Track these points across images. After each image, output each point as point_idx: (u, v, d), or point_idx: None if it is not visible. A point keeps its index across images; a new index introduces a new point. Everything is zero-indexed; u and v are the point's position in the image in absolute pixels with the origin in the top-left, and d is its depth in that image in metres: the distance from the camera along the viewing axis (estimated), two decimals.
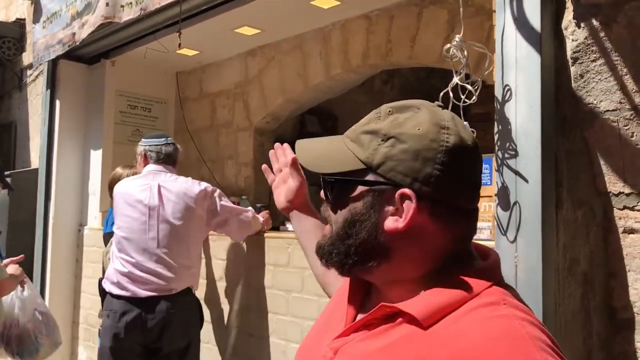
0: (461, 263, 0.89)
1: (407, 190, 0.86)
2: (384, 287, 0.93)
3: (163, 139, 3.13)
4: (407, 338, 0.83)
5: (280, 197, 1.43)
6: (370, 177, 0.88)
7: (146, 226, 2.92)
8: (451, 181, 0.86)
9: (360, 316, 0.96)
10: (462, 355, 0.76)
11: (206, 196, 2.99)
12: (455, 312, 0.82)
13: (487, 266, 0.91)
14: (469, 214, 0.90)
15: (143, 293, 2.87)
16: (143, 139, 3.18)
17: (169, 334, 2.87)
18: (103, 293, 3.05)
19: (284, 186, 1.42)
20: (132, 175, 3.33)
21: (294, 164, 1.39)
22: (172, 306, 2.88)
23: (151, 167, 3.06)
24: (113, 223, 3.28)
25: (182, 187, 2.97)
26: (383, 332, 0.86)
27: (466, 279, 0.86)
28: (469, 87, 1.69)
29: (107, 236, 3.47)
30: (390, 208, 0.87)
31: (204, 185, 3.03)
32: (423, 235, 0.87)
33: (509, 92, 1.75)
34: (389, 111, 0.91)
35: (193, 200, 2.94)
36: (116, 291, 2.92)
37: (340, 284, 1.17)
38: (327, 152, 0.95)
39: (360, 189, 0.89)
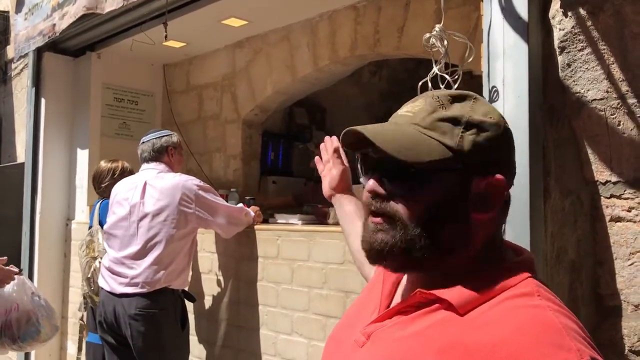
0: (499, 252, 0.93)
1: (499, 177, 0.88)
2: (424, 275, 0.92)
3: (143, 138, 3.14)
4: (441, 323, 0.84)
5: (325, 186, 1.58)
6: (459, 164, 0.87)
7: (128, 223, 2.96)
8: (511, 168, 0.94)
9: (394, 304, 0.97)
10: (492, 340, 0.77)
11: (192, 193, 2.92)
12: (491, 300, 0.83)
13: (522, 260, 0.92)
14: (507, 201, 0.95)
15: (118, 289, 2.90)
16: None
17: (138, 333, 2.83)
18: None
19: (328, 175, 1.57)
20: (113, 170, 3.47)
21: (336, 151, 1.56)
22: (145, 305, 2.85)
23: (142, 166, 3.11)
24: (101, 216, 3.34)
25: (167, 183, 2.94)
26: (418, 318, 0.88)
27: (503, 269, 0.88)
28: (447, 77, 1.69)
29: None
30: (477, 195, 0.88)
31: (191, 181, 2.97)
32: (490, 222, 0.91)
33: (496, 82, 1.75)
34: (449, 99, 0.91)
35: (177, 196, 2.90)
36: (101, 283, 3.03)
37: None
38: (405, 139, 0.87)
39: (448, 176, 0.87)
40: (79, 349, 3.68)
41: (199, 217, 2.94)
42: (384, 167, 0.89)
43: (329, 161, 1.59)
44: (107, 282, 2.96)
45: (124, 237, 2.96)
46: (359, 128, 0.88)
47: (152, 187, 2.95)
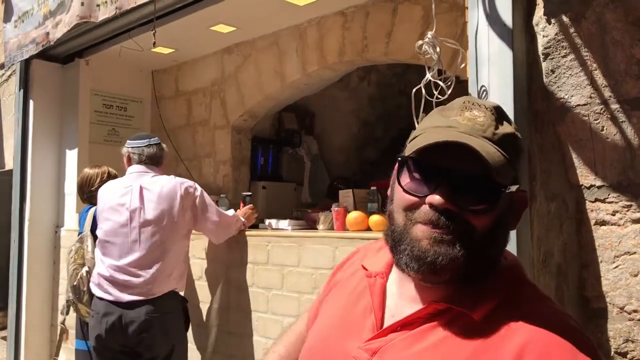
0: (500, 257, 0.94)
1: (525, 193, 0.93)
2: (429, 287, 0.90)
3: (146, 141, 3.09)
4: (461, 333, 0.84)
5: None
6: (516, 183, 0.89)
7: (128, 229, 2.90)
8: None
9: (389, 317, 0.94)
10: (521, 342, 0.79)
11: (188, 196, 2.94)
12: (505, 305, 0.86)
13: (515, 263, 0.96)
14: None
15: (125, 297, 2.85)
16: (128, 140, 3.15)
17: (149, 339, 2.83)
18: (91, 293, 3.05)
19: None
20: (101, 175, 3.41)
21: None
22: (154, 310, 2.84)
23: (134, 168, 3.04)
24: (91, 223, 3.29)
25: (164, 187, 2.92)
26: (430, 330, 0.87)
27: (504, 273, 0.91)
28: (441, 83, 1.71)
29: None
30: (515, 211, 0.92)
31: (187, 184, 2.98)
32: None
33: (482, 88, 1.77)
34: (494, 110, 0.92)
35: (175, 200, 2.90)
36: (99, 294, 2.93)
37: None
38: (495, 158, 0.85)
39: (504, 192, 0.87)
40: (57, 353, 3.66)
41: (194, 217, 2.97)
42: (459, 181, 0.85)
43: None
44: (109, 292, 2.88)
45: (123, 244, 2.90)
46: (465, 141, 0.84)
47: (149, 191, 2.92)
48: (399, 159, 0.91)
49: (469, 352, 0.81)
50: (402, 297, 0.94)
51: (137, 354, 2.88)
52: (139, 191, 2.92)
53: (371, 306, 0.96)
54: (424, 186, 0.87)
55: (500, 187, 0.86)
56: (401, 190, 0.90)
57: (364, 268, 1.03)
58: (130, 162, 3.08)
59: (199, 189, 3.02)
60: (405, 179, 0.90)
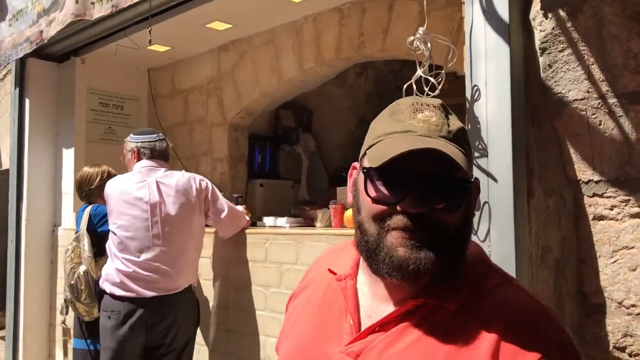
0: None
1: (478, 181, 0.95)
2: (400, 284, 0.89)
3: (155, 135, 3.06)
4: (439, 326, 0.86)
5: None
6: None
7: (149, 224, 2.85)
8: None
9: (365, 318, 0.93)
10: (506, 331, 0.82)
11: (202, 189, 2.96)
12: (476, 293, 0.88)
13: (479, 251, 0.98)
14: None
15: (148, 293, 2.80)
16: (133, 135, 3.08)
17: (173, 333, 2.86)
18: (100, 294, 2.95)
19: None
20: (100, 174, 3.38)
21: None
22: (177, 305, 2.85)
23: (145, 163, 2.97)
24: (101, 221, 3.26)
25: (179, 182, 2.92)
26: (408, 327, 0.88)
27: (470, 262, 0.93)
28: (431, 79, 1.71)
29: None
30: (473, 199, 0.94)
31: (199, 178, 3.00)
32: None
33: (479, 84, 1.76)
34: (442, 107, 0.93)
35: (192, 194, 2.92)
36: (119, 292, 2.84)
37: None
38: (458, 156, 0.85)
39: (469, 186, 0.90)
40: (65, 353, 3.65)
41: (209, 212, 2.99)
42: (427, 184, 0.84)
43: None
44: (132, 289, 2.81)
45: (144, 239, 2.84)
46: (434, 147, 0.83)
47: (166, 185, 2.90)
48: (364, 170, 0.90)
49: (449, 344, 0.83)
50: (376, 296, 0.94)
51: (156, 348, 2.88)
52: (156, 186, 2.89)
53: (346, 309, 0.95)
54: (393, 194, 0.86)
55: (466, 182, 0.88)
56: (370, 200, 0.89)
57: (332, 272, 1.03)
58: (139, 157, 3.01)
59: (210, 182, 3.04)
60: (372, 188, 0.89)
